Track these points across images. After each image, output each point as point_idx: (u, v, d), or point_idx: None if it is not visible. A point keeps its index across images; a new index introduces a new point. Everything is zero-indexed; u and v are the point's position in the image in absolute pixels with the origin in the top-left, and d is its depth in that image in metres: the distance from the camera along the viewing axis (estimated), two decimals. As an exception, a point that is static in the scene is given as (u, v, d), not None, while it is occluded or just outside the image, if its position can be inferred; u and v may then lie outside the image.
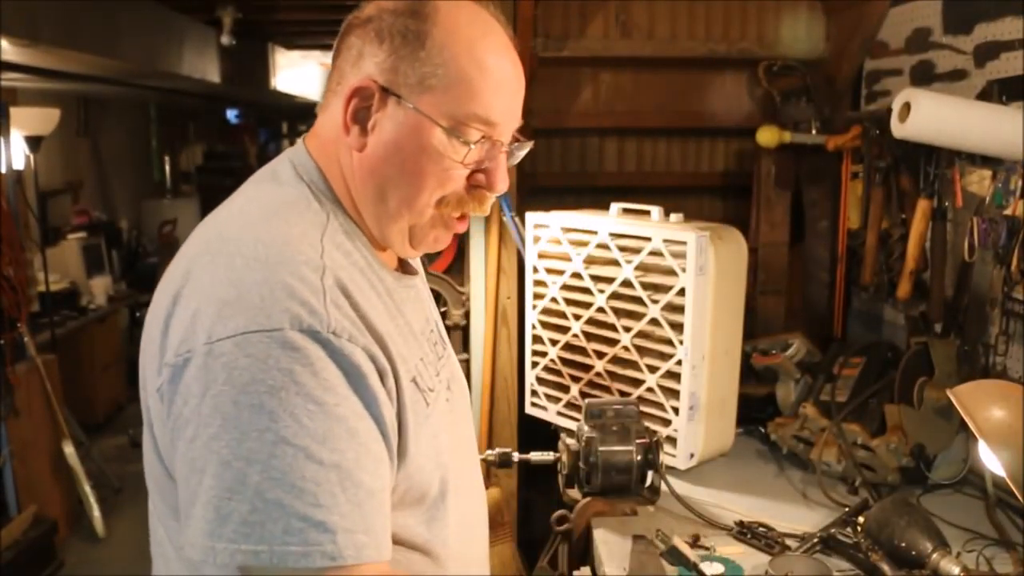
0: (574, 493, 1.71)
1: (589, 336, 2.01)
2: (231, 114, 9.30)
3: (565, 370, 2.08)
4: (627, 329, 1.91)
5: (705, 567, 1.44)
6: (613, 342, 1.94)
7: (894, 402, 1.81)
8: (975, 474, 1.74)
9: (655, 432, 1.68)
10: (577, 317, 2.02)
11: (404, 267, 1.02)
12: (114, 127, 6.69)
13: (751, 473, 1.90)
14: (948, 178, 1.90)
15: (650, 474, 1.67)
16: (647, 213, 1.95)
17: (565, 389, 2.09)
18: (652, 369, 1.86)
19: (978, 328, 1.88)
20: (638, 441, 1.65)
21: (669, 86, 2.65)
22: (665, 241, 1.80)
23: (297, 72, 6.38)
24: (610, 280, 1.93)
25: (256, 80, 5.49)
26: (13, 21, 2.81)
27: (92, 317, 4.79)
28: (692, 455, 1.84)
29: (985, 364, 1.86)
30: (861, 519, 1.49)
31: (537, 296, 2.13)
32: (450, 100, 0.88)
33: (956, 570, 1.33)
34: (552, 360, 2.11)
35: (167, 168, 7.77)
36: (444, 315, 2.50)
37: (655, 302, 1.83)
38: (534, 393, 2.18)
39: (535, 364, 2.17)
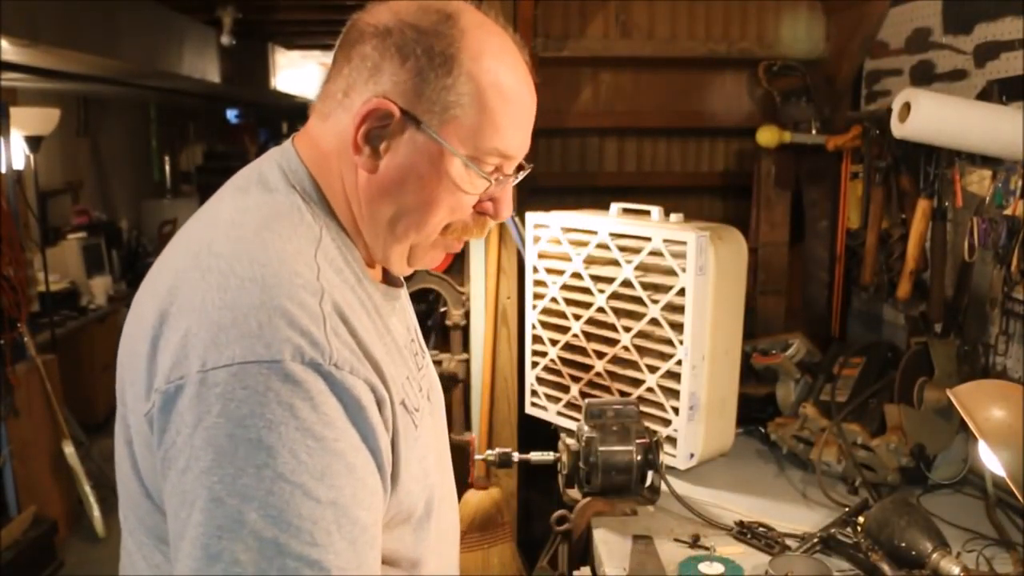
0: (574, 493, 1.71)
1: (589, 336, 2.01)
2: (231, 114, 9.31)
3: (565, 370, 2.08)
4: (627, 329, 1.91)
5: (705, 567, 1.44)
6: (613, 342, 1.94)
7: (894, 402, 1.81)
8: (975, 474, 1.74)
9: (655, 432, 1.68)
10: (577, 317, 2.02)
11: (389, 278, 0.98)
12: (114, 127, 6.69)
13: (751, 473, 1.90)
14: (948, 178, 1.90)
15: (650, 474, 1.67)
16: (647, 213, 1.95)
17: (565, 389, 2.09)
18: (652, 369, 1.86)
19: (978, 328, 1.88)
20: (638, 441, 1.65)
21: (669, 86, 2.65)
22: (665, 241, 1.80)
23: (297, 72, 6.38)
24: (610, 280, 1.93)
25: (256, 80, 5.50)
26: (13, 21, 2.81)
27: (92, 317, 4.79)
28: (692, 455, 1.84)
29: (985, 364, 1.86)
30: (861, 519, 1.49)
31: (537, 296, 2.13)
32: (473, 132, 0.85)
33: (956, 570, 1.33)
34: (552, 360, 2.11)
35: (167, 168, 7.78)
36: (444, 315, 2.50)
37: (655, 302, 1.83)
38: (534, 393, 2.18)
39: (535, 364, 2.17)
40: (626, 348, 1.92)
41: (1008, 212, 1.73)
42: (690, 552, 1.51)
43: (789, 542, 1.53)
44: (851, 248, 2.27)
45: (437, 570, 0.98)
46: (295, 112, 9.97)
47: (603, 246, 1.94)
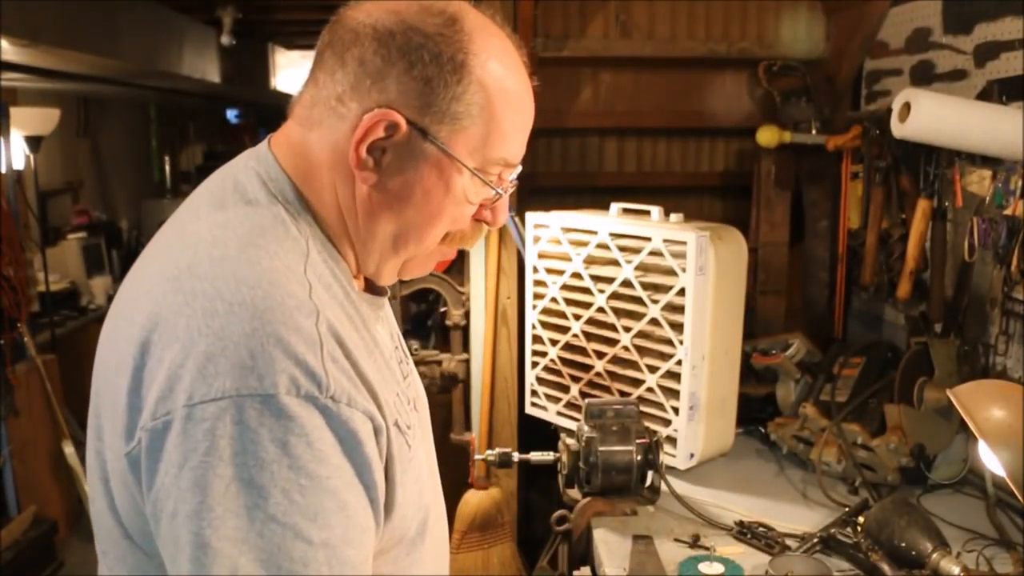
0: (574, 493, 1.71)
1: (589, 336, 2.01)
2: (231, 114, 9.30)
3: (565, 370, 2.08)
4: (627, 329, 1.91)
5: (705, 567, 1.44)
6: (613, 342, 1.94)
7: (894, 402, 1.81)
8: (975, 474, 1.74)
9: (655, 432, 1.68)
10: (577, 317, 2.02)
11: (371, 287, 0.92)
12: (114, 127, 6.69)
13: (751, 473, 1.90)
14: (948, 178, 1.90)
15: (650, 474, 1.67)
16: (647, 213, 1.94)
17: (565, 389, 2.09)
18: (652, 369, 1.86)
19: (978, 328, 1.88)
20: (638, 441, 1.65)
21: (669, 86, 2.66)
22: (665, 241, 1.80)
23: (297, 72, 6.38)
24: (610, 280, 1.93)
25: (256, 80, 5.50)
26: (13, 21, 2.81)
27: (92, 317, 4.78)
28: (692, 455, 1.84)
29: (985, 364, 1.86)
30: (861, 519, 1.49)
31: (537, 296, 2.13)
32: (481, 142, 0.82)
33: (956, 570, 1.33)
34: (552, 360, 2.11)
35: (167, 168, 7.77)
36: (444, 315, 2.50)
37: (655, 302, 1.83)
38: (534, 393, 2.18)
39: (535, 364, 2.17)
40: (626, 348, 1.91)
41: (1008, 212, 1.73)
42: (690, 552, 1.51)
43: (789, 542, 1.53)
44: (851, 248, 2.27)
45: None
46: (295, 112, 9.97)
47: (603, 246, 1.94)
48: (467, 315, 2.46)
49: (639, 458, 1.64)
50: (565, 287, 2.04)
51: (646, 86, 2.66)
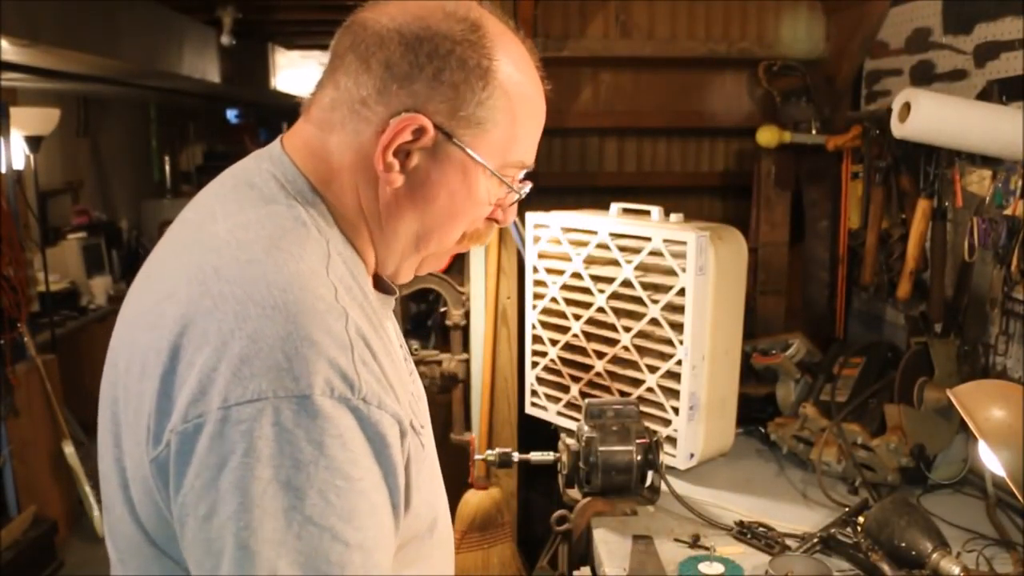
0: (574, 493, 1.71)
1: (589, 336, 2.01)
2: (231, 114, 9.30)
3: (565, 370, 2.08)
4: (627, 329, 1.91)
5: (705, 567, 1.44)
6: (613, 342, 1.94)
7: (894, 402, 1.81)
8: (975, 474, 1.74)
9: (655, 432, 1.68)
10: (577, 317, 2.02)
11: (381, 285, 0.93)
12: (114, 127, 6.69)
13: (751, 473, 1.90)
14: (948, 178, 1.90)
15: (650, 474, 1.67)
16: (647, 213, 1.94)
17: (565, 389, 2.09)
18: (652, 369, 1.86)
19: (978, 328, 1.88)
20: (638, 441, 1.65)
21: (669, 86, 2.66)
22: (665, 241, 1.80)
23: (297, 72, 6.38)
24: (610, 280, 1.93)
25: (256, 80, 5.50)
26: (13, 21, 2.81)
27: (92, 317, 4.79)
28: (692, 455, 1.84)
29: (985, 364, 1.86)
30: (861, 519, 1.49)
31: (537, 296, 2.13)
32: (502, 145, 0.84)
33: (956, 570, 1.33)
34: (552, 360, 2.11)
35: (167, 168, 7.77)
36: (444, 315, 2.50)
37: (655, 302, 1.83)
38: (534, 393, 2.18)
39: (535, 364, 2.17)
40: (626, 348, 1.91)
41: (1008, 212, 1.73)
42: (690, 552, 1.51)
43: (789, 542, 1.53)
44: (851, 248, 2.27)
45: None
46: (295, 112, 9.96)
47: (603, 246, 1.94)
48: (467, 315, 2.46)
49: (639, 458, 1.64)
50: (565, 287, 2.04)
51: (646, 86, 2.66)
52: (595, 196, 2.22)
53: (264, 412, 0.68)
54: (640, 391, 1.89)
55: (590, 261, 1.98)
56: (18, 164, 4.16)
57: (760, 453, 2.02)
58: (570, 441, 1.70)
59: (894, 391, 1.83)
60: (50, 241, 4.72)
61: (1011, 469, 1.42)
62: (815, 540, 1.51)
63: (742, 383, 1.96)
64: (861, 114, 2.27)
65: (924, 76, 2.10)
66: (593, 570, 1.60)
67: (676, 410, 1.82)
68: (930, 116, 1.75)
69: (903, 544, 1.39)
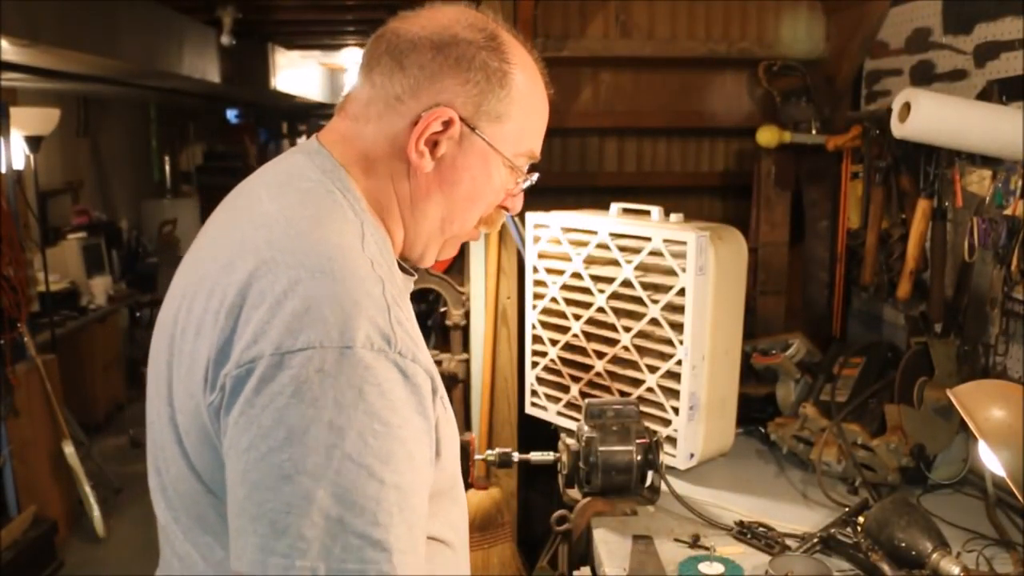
0: (574, 493, 1.71)
1: (589, 336, 2.01)
2: (231, 114, 9.31)
3: (565, 370, 2.08)
4: (627, 329, 1.91)
5: (705, 567, 1.44)
6: (613, 342, 1.94)
7: (894, 402, 1.81)
8: (975, 474, 1.74)
9: (655, 432, 1.68)
10: (577, 317, 2.02)
11: (400, 268, 1.02)
12: (114, 127, 6.69)
13: (751, 473, 1.90)
14: (948, 178, 1.90)
15: (650, 474, 1.67)
16: (647, 213, 1.95)
17: (565, 389, 2.09)
18: (652, 369, 1.86)
19: (978, 328, 1.88)
20: (638, 441, 1.65)
21: (669, 86, 2.66)
22: (665, 241, 1.80)
23: (297, 72, 6.38)
24: (610, 280, 1.93)
25: (256, 80, 5.50)
26: (13, 21, 2.81)
27: (92, 317, 4.79)
28: (692, 455, 1.85)
29: (985, 364, 1.86)
30: (861, 519, 1.49)
31: (537, 296, 2.13)
32: (516, 137, 0.97)
33: (956, 570, 1.33)
34: (552, 360, 2.11)
35: (167, 168, 7.77)
36: (444, 315, 2.50)
37: (655, 302, 1.83)
38: (534, 393, 2.18)
39: (535, 364, 2.17)
40: (626, 348, 1.92)
41: (1008, 212, 1.73)
42: (690, 552, 1.51)
43: (789, 542, 1.53)
44: (851, 248, 2.27)
45: (464, 543, 1.04)
46: (295, 112, 9.97)
47: (603, 246, 1.94)
48: (467, 315, 2.46)
49: (639, 458, 1.64)
50: (565, 287, 2.04)
51: (646, 86, 2.66)
52: (595, 196, 2.22)
53: (311, 359, 0.75)
54: (640, 391, 1.89)
55: (590, 261, 1.98)
56: (18, 164, 4.16)
57: (760, 453, 2.02)
58: (570, 441, 1.70)
59: (894, 391, 1.83)
60: (50, 241, 4.72)
61: (1011, 469, 1.42)
62: (815, 540, 1.51)
63: (742, 383, 1.96)
64: (861, 114, 2.27)
65: (924, 76, 2.10)
66: (593, 570, 1.60)
67: (676, 410, 1.82)
68: (930, 116, 1.75)
69: (903, 544, 1.39)
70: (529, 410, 2.21)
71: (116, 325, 5.33)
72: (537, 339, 2.15)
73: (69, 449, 3.69)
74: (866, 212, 2.14)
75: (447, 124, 0.91)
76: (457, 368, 2.46)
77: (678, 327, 1.79)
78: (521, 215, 2.19)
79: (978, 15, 1.90)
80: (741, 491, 1.79)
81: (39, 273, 4.15)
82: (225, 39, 4.33)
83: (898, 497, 1.52)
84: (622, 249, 1.90)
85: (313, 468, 0.73)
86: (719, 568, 1.43)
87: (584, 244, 1.98)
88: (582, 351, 2.03)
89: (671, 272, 1.79)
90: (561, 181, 2.67)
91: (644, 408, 1.80)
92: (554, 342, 2.09)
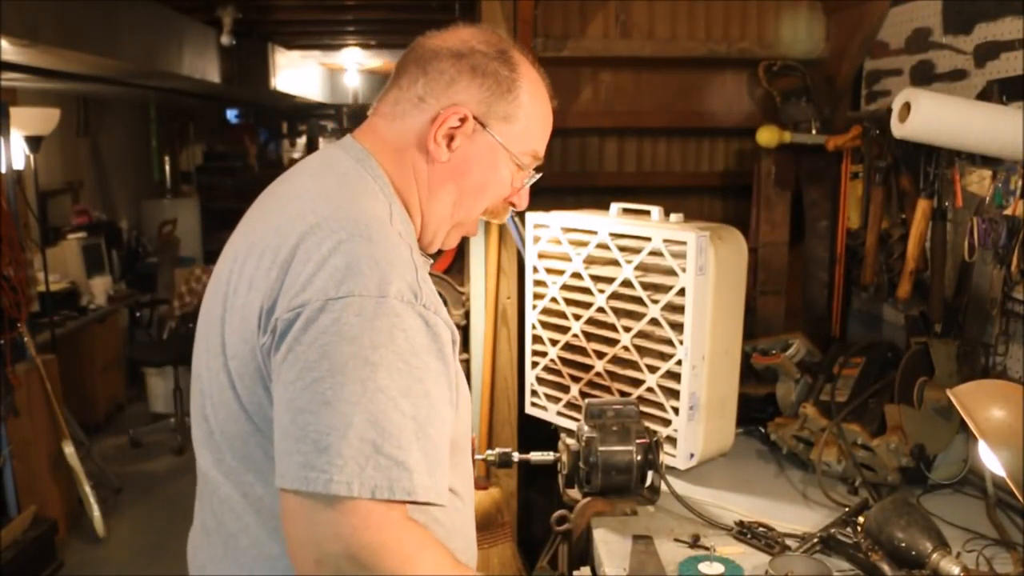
0: (574, 493, 1.71)
1: (589, 336, 2.01)
2: (231, 114, 9.31)
3: (565, 370, 2.08)
4: (627, 329, 1.91)
5: (705, 567, 1.44)
6: (613, 342, 1.94)
7: (894, 402, 1.81)
8: (975, 474, 1.74)
9: (655, 432, 1.68)
10: (577, 317, 2.02)
11: None
12: (114, 127, 6.69)
13: (751, 473, 1.90)
14: (948, 178, 1.90)
15: (650, 474, 1.67)
16: (647, 213, 1.94)
17: (565, 389, 2.09)
18: (652, 369, 1.86)
19: (978, 328, 1.88)
20: (638, 441, 1.65)
21: (669, 86, 2.66)
22: (665, 241, 1.80)
23: (297, 72, 6.38)
24: (610, 280, 1.93)
25: (256, 80, 5.50)
26: (13, 21, 2.81)
27: (92, 317, 4.79)
28: (692, 455, 1.84)
29: (985, 364, 1.86)
30: (861, 519, 1.49)
31: (537, 296, 2.13)
32: (521, 136, 1.12)
33: (956, 570, 1.33)
34: (552, 360, 2.11)
35: (167, 168, 7.77)
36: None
37: (655, 302, 1.83)
38: (534, 393, 2.18)
39: (535, 364, 2.17)
40: (626, 348, 1.91)
41: (1008, 212, 1.73)
42: (690, 552, 1.51)
43: (789, 542, 1.53)
44: (851, 248, 2.27)
45: (471, 499, 1.16)
46: (295, 112, 9.96)
47: (603, 246, 1.94)
48: (467, 315, 2.46)
49: (639, 458, 1.64)
50: (565, 287, 2.04)
51: (646, 86, 2.66)
52: (595, 196, 2.22)
53: (351, 305, 0.89)
54: (640, 391, 1.89)
55: (590, 261, 1.98)
56: (18, 164, 4.16)
57: (760, 453, 2.02)
58: (570, 441, 1.70)
59: (894, 391, 1.83)
60: (50, 241, 4.72)
61: (1011, 469, 1.42)
62: (815, 540, 1.51)
63: (742, 383, 1.95)
64: (861, 114, 2.27)
65: (924, 76, 2.10)
66: (593, 570, 1.60)
67: (676, 410, 1.82)
68: (930, 116, 1.75)
69: (903, 544, 1.39)
70: (529, 410, 2.21)
71: (116, 325, 5.33)
72: (537, 339, 2.15)
73: (69, 449, 3.69)
74: (866, 212, 2.14)
75: (462, 120, 1.07)
76: (457, 368, 2.46)
77: (678, 327, 1.79)
78: (521, 215, 2.19)
79: (978, 15, 1.90)
80: (741, 491, 1.79)
81: (39, 273, 4.15)
82: (225, 39, 4.33)
83: (898, 497, 1.52)
84: (622, 249, 1.90)
85: (350, 395, 0.87)
86: (719, 568, 1.43)
87: (584, 244, 1.98)
88: (582, 351, 2.03)
89: (671, 272, 1.79)
90: (561, 181, 2.66)
91: (644, 408, 1.80)
92: (554, 342, 2.09)
